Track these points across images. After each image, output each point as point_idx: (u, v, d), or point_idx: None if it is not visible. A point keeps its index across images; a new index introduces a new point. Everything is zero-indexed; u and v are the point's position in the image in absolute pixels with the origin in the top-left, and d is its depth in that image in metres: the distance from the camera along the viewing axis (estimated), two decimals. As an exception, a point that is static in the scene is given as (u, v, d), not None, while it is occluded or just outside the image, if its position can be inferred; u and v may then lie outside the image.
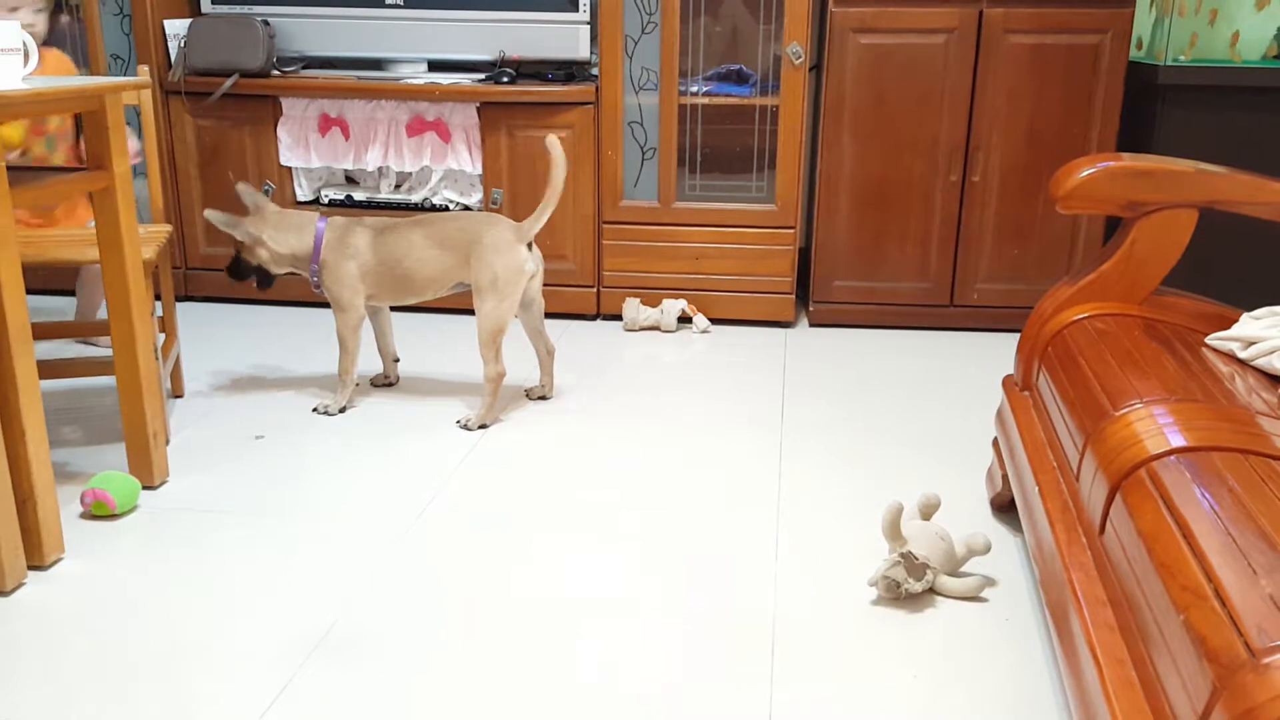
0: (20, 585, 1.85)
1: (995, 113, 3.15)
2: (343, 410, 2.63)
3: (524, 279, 2.50)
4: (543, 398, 2.74)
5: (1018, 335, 2.02)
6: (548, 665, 1.64)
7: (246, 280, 2.64)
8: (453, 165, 3.32)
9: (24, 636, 1.71)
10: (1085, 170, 1.89)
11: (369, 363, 2.90)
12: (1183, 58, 3.36)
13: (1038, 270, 3.26)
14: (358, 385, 2.76)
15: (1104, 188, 1.88)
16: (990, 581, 1.86)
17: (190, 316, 3.39)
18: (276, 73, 3.36)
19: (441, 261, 2.51)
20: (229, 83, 3.26)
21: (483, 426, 2.54)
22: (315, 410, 2.62)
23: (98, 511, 2.09)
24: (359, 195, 3.42)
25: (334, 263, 2.55)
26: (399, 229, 2.54)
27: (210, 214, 2.49)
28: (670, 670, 1.63)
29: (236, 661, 1.65)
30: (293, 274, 2.67)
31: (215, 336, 3.22)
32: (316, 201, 3.44)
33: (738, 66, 3.36)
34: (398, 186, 3.46)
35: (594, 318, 3.43)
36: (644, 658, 1.66)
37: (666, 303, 3.30)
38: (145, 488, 2.19)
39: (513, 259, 2.47)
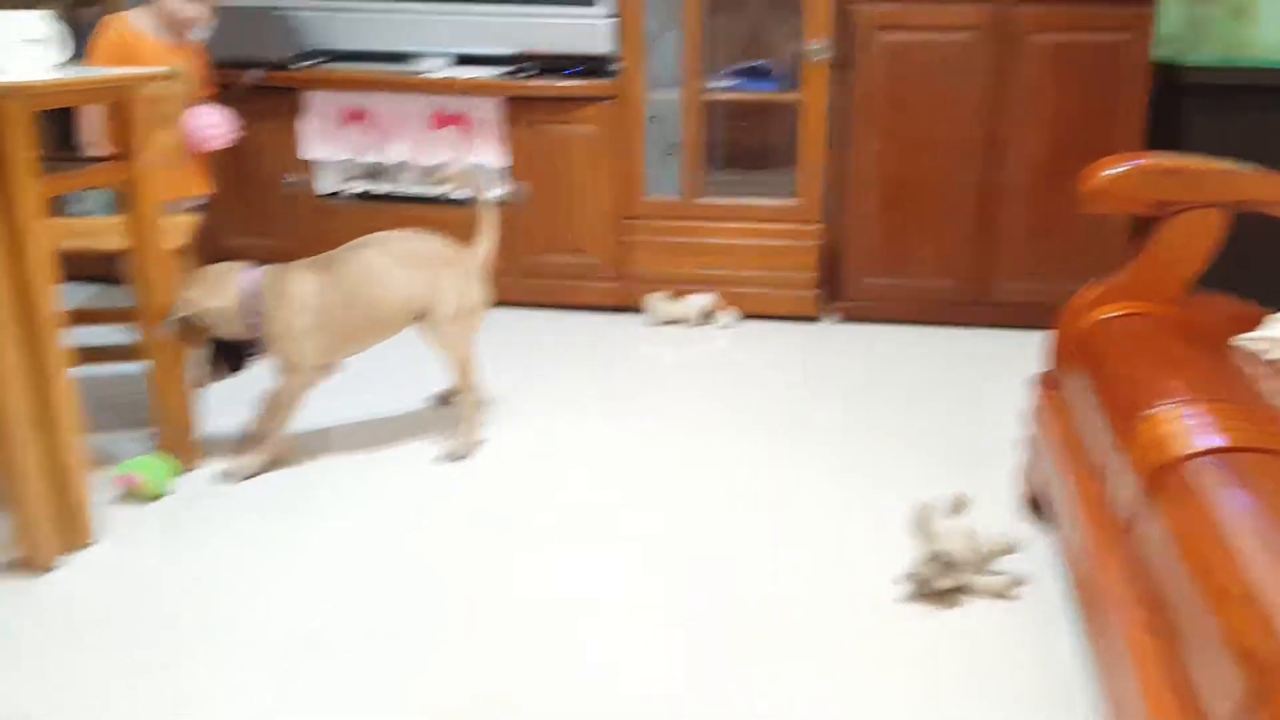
0: (52, 568, 1.87)
1: (1019, 111, 3.14)
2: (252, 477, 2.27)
3: (483, 306, 2.37)
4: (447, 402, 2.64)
5: (1044, 333, 2.02)
6: (549, 665, 1.65)
7: (237, 365, 2.26)
8: (475, 159, 3.33)
9: (49, 617, 1.73)
10: (1113, 169, 1.89)
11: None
12: (1207, 56, 3.34)
13: (1064, 269, 3.24)
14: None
15: (1132, 186, 1.88)
16: (1019, 580, 1.86)
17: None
18: (300, 66, 3.37)
19: (411, 283, 2.27)
20: (257, 75, 3.27)
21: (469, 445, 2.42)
22: (224, 473, 2.25)
23: (131, 496, 2.11)
24: (381, 189, 3.44)
25: (280, 317, 2.18)
26: (347, 260, 2.24)
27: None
28: (673, 671, 1.64)
29: (241, 653, 1.67)
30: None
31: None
32: (337, 195, 3.45)
33: (759, 63, 3.36)
34: (421, 180, 3.47)
35: (616, 311, 3.43)
36: (646, 658, 1.67)
37: (691, 297, 3.29)
38: (177, 473, 2.21)
39: (478, 282, 2.36)
